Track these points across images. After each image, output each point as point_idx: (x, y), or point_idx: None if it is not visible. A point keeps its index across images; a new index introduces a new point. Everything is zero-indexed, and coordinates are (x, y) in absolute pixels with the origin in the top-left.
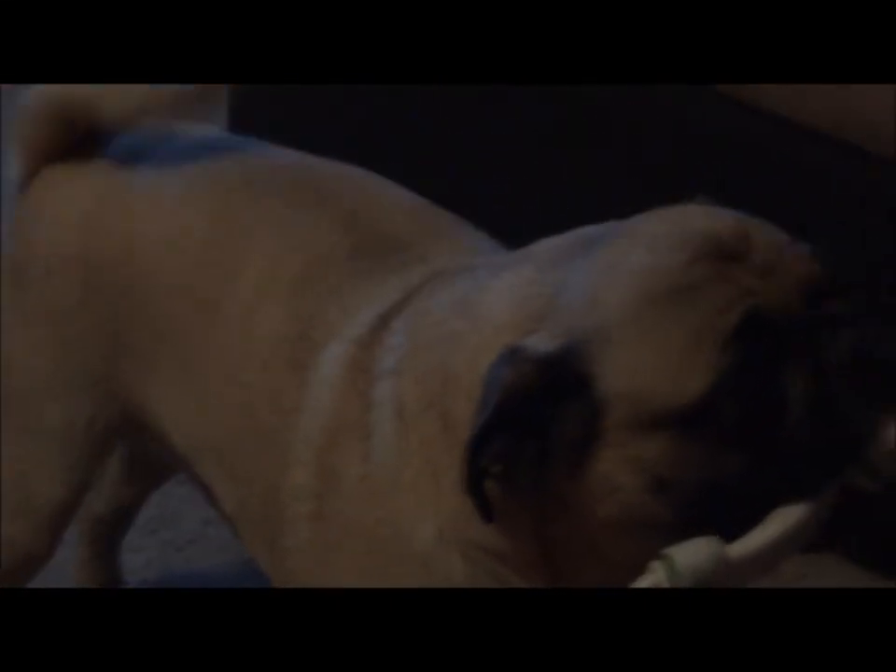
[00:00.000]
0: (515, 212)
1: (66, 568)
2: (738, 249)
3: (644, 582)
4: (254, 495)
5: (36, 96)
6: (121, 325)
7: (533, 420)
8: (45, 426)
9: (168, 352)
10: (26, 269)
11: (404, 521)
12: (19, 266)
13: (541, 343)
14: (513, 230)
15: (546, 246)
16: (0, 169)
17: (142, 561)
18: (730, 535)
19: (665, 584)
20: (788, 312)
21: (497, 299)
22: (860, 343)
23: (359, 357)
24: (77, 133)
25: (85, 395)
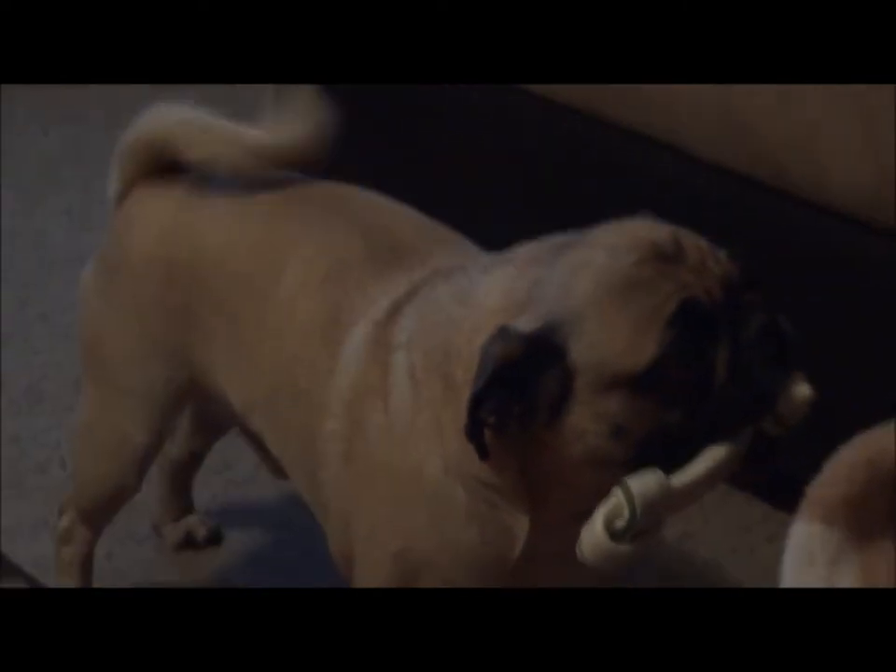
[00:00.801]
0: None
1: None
2: (674, 253)
3: (606, 505)
4: (295, 439)
5: (134, 130)
6: (191, 310)
7: (520, 383)
8: (132, 386)
9: (227, 331)
10: (119, 267)
11: (417, 459)
12: (113, 265)
13: (526, 324)
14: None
15: (524, 250)
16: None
17: (208, 496)
18: (672, 469)
19: (624, 505)
20: (713, 301)
21: (487, 291)
22: (767, 323)
23: (379, 334)
24: (163, 162)
25: (162, 363)
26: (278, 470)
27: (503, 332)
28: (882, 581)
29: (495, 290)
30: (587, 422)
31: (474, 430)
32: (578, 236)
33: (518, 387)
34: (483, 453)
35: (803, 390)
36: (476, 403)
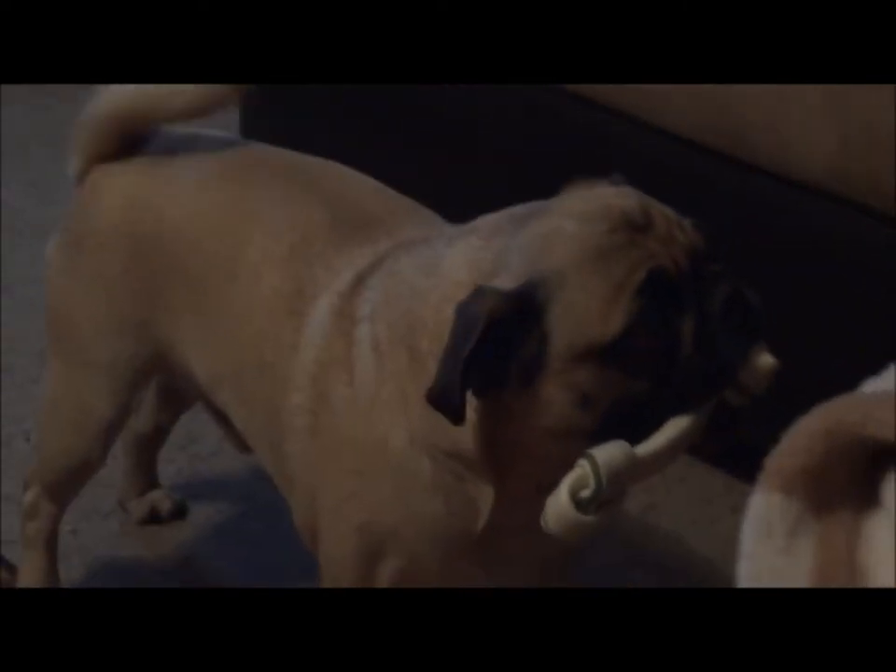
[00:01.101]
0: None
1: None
2: (643, 222)
3: (572, 475)
4: (260, 413)
5: (96, 106)
6: (156, 283)
7: (505, 344)
8: (97, 360)
9: (192, 304)
10: (84, 241)
11: (382, 431)
12: (78, 239)
13: (505, 284)
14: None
15: (487, 221)
16: None
17: (173, 470)
18: (637, 440)
19: (589, 476)
20: (679, 271)
21: (452, 262)
22: (732, 293)
23: (343, 306)
24: (126, 136)
25: (128, 337)
26: (242, 445)
27: (482, 291)
28: (840, 552)
29: (460, 262)
30: (557, 391)
31: (458, 394)
32: (540, 205)
33: (504, 348)
34: (461, 417)
35: (766, 360)
36: (467, 363)
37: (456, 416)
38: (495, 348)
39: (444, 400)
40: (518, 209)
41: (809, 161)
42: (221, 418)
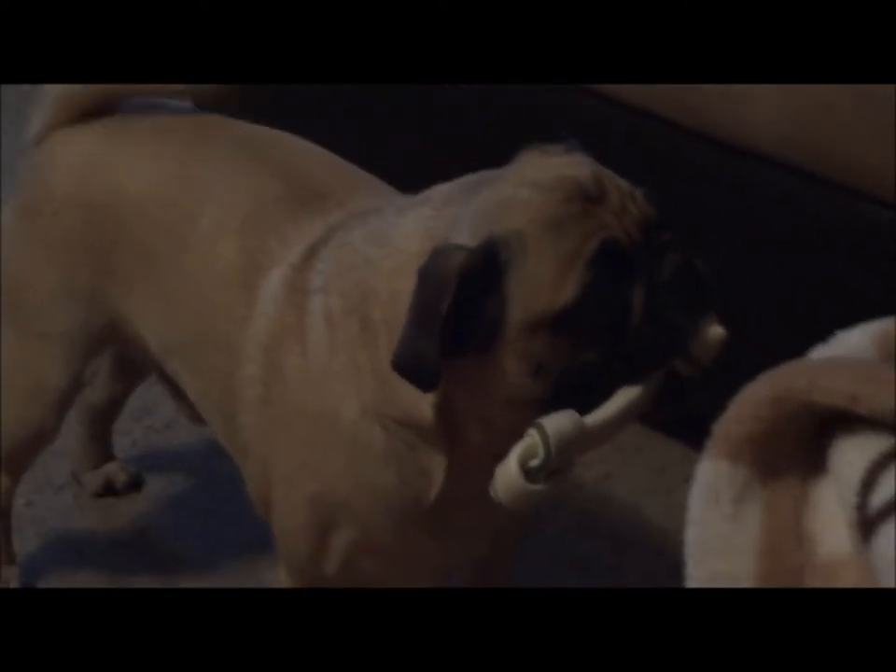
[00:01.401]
0: None
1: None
2: (597, 193)
3: (521, 444)
4: (213, 384)
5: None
6: (110, 253)
7: (472, 304)
8: (50, 329)
9: (145, 274)
10: (39, 208)
11: (334, 401)
12: (32, 205)
13: (466, 241)
14: None
15: (438, 190)
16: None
17: (128, 442)
18: (587, 409)
19: (539, 445)
20: (632, 242)
21: (404, 232)
22: (682, 264)
23: (295, 278)
24: (94, 104)
25: (81, 306)
26: (196, 416)
27: (446, 249)
28: (787, 519)
29: (412, 231)
30: (511, 359)
31: (433, 358)
32: (494, 174)
33: (473, 307)
34: (434, 383)
35: (716, 331)
36: (445, 323)
37: (430, 382)
38: (465, 308)
39: (415, 366)
40: (471, 178)
41: (766, 132)
42: (174, 389)
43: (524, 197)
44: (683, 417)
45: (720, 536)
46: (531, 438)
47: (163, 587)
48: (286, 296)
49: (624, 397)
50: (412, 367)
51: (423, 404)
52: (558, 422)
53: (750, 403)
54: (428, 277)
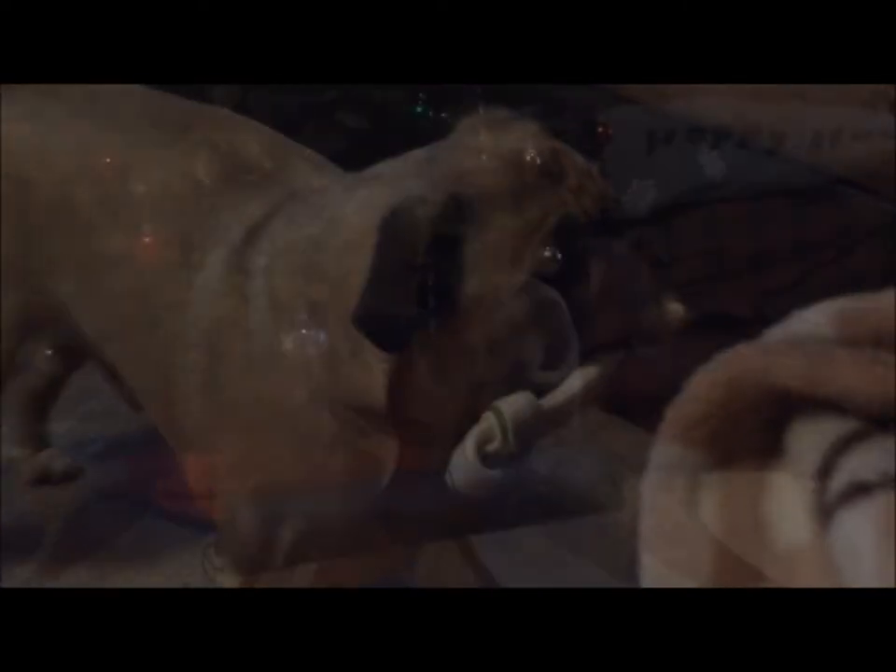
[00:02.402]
0: None
1: None
2: (555, 169)
3: (477, 429)
4: (152, 371)
5: None
6: (44, 234)
7: (441, 258)
8: None
9: (76, 255)
10: None
11: (280, 387)
12: None
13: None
14: None
15: (389, 166)
16: None
17: (65, 428)
18: (543, 391)
19: (496, 429)
20: (589, 218)
21: (355, 210)
22: (639, 242)
23: (236, 260)
24: None
25: (15, 289)
26: (134, 403)
27: (412, 200)
28: (744, 504)
29: (362, 209)
30: (470, 337)
31: (408, 309)
32: (441, 146)
33: (440, 268)
34: (405, 340)
35: (674, 307)
36: (423, 272)
37: (398, 341)
38: (429, 269)
39: (384, 323)
40: (418, 152)
41: (719, 108)
42: (111, 375)
43: (484, 167)
44: (639, 400)
45: (675, 523)
46: (487, 422)
47: (99, 579)
48: (226, 278)
49: (582, 377)
50: (379, 324)
51: (375, 386)
52: (515, 404)
53: (705, 385)
54: (396, 229)
